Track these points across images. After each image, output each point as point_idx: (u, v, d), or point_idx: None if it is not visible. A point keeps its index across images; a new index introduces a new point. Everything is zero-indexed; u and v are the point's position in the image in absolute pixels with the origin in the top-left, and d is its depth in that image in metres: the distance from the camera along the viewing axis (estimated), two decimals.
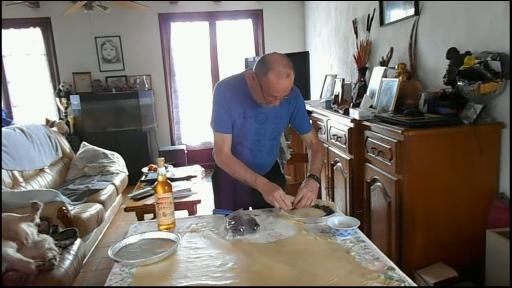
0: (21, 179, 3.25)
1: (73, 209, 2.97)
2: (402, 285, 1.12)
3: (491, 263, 1.83)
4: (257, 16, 5.55)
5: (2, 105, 5.32)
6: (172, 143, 5.67)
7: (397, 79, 2.49)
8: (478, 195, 1.98)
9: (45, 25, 5.18)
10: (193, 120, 5.69)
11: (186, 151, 5.43)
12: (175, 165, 3.96)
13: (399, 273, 1.18)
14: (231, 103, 1.73)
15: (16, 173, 3.22)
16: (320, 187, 2.20)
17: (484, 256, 1.87)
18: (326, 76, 4.13)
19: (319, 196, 2.23)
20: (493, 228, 1.86)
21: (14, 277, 1.89)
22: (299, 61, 4.55)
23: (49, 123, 4.69)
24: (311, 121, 2.21)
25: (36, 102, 5.45)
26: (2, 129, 3.54)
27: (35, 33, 5.24)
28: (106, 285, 1.22)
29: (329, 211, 1.67)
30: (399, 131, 1.94)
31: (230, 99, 1.73)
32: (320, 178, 1.84)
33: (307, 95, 4.46)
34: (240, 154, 1.83)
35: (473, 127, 1.91)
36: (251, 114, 1.75)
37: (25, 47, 5.30)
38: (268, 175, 1.86)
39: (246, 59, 4.92)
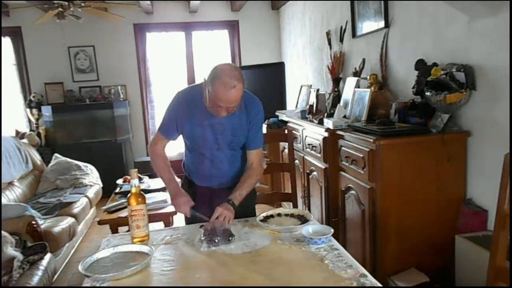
0: None
1: (43, 223, 2.87)
2: None
3: (460, 267, 1.89)
4: (233, 27, 5.60)
5: None
6: (148, 154, 5.57)
7: (369, 90, 2.55)
8: (446, 202, 2.05)
9: (15, 34, 5.05)
10: None
11: None
12: (150, 176, 3.90)
13: (371, 279, 1.20)
14: (184, 116, 1.76)
15: None
16: (296, 195, 2.23)
17: (454, 261, 1.92)
18: (301, 86, 4.20)
19: (295, 205, 2.25)
20: (461, 234, 1.92)
21: None
22: (275, 71, 4.61)
23: (19, 135, 4.55)
24: (286, 131, 2.23)
25: (5, 113, 5.26)
26: None
27: (5, 42, 5.09)
28: None
29: (303, 220, 1.69)
30: (371, 140, 1.99)
31: (184, 110, 1.76)
32: (236, 206, 1.69)
33: (283, 105, 4.51)
34: (201, 164, 1.85)
35: (440, 136, 1.98)
36: (207, 124, 1.76)
37: None
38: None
39: None
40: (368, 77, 2.75)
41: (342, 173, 2.45)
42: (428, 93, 2.04)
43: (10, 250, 2.13)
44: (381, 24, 2.73)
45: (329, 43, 3.56)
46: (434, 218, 2.05)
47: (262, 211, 1.80)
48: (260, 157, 1.91)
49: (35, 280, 2.08)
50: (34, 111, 5.02)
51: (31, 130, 5.08)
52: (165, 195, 3.16)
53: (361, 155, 2.13)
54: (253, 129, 1.83)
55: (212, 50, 5.64)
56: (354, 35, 3.17)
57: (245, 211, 1.80)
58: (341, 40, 3.33)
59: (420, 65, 2.20)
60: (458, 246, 1.90)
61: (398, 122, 2.24)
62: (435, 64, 2.11)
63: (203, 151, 1.83)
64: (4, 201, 3.21)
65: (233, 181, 1.92)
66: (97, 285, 1.26)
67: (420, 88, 2.14)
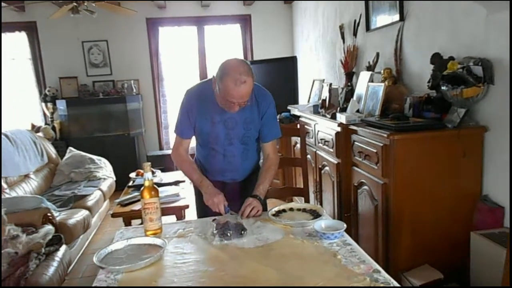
0: (5, 186, 3.18)
1: (58, 215, 2.92)
2: (388, 287, 1.13)
3: (475, 265, 1.86)
4: (245, 21, 5.57)
5: None
6: (161, 148, 5.63)
7: (383, 84, 2.52)
8: (462, 198, 2.02)
9: (30, 29, 5.12)
10: None
11: None
12: (163, 170, 3.94)
13: (384, 275, 1.19)
14: (196, 111, 1.77)
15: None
16: (307, 190, 2.22)
17: (469, 258, 1.89)
18: (314, 81, 4.17)
19: (307, 200, 2.24)
20: (477, 230, 1.89)
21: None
22: (287, 66, 4.59)
23: (35, 129, 4.62)
24: (298, 126, 2.21)
25: (21, 107, 5.36)
26: None
27: (21, 37, 5.17)
28: None
29: (316, 215, 1.68)
30: (385, 135, 1.97)
31: (196, 107, 1.77)
32: (263, 200, 1.77)
33: (295, 100, 4.48)
34: (214, 159, 1.85)
35: (456, 131, 1.94)
36: (219, 119, 1.76)
37: (10, 51, 5.22)
38: (251, 180, 1.87)
39: None
40: (382, 71, 2.71)
41: (355, 168, 2.43)
42: (444, 88, 2.00)
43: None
44: (396, 17, 2.68)
45: (342, 37, 3.52)
46: (449, 214, 2.02)
47: (274, 205, 1.80)
48: (275, 147, 1.93)
49: (51, 271, 2.12)
50: (49, 105, 5.10)
51: (46, 123, 5.16)
52: (177, 189, 3.19)
53: (375, 150, 2.11)
54: (266, 122, 1.83)
55: (224, 44, 5.63)
56: (368, 28, 3.13)
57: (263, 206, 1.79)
58: (355, 34, 3.29)
59: (436, 59, 2.15)
60: (474, 243, 1.87)
61: (412, 117, 2.21)
62: (451, 58, 2.07)
63: (215, 146, 1.83)
64: (20, 193, 3.28)
65: (246, 175, 1.92)
66: (112, 276, 1.27)
67: (435, 83, 2.10)
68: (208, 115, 1.76)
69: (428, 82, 2.16)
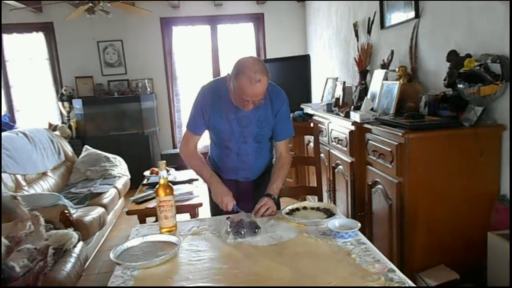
0: (23, 183, 3.26)
1: (75, 212, 2.98)
2: (403, 286, 1.12)
3: (493, 265, 1.83)
4: (258, 20, 5.57)
5: (5, 110, 5.35)
6: (174, 147, 5.68)
7: (397, 82, 2.49)
8: (479, 197, 1.98)
9: (48, 29, 5.22)
10: None
11: None
12: (177, 169, 3.97)
13: (399, 275, 1.18)
14: (210, 108, 1.77)
15: (19, 177, 3.23)
16: (321, 189, 2.22)
17: (486, 258, 1.86)
18: (327, 79, 4.15)
19: (320, 199, 2.23)
20: (494, 230, 1.86)
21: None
22: (300, 64, 4.57)
23: (52, 127, 4.71)
24: (311, 124, 2.21)
25: (38, 106, 5.47)
26: (5, 133, 3.57)
27: (38, 37, 5.28)
28: (108, 287, 1.23)
29: (329, 214, 1.67)
30: (400, 134, 1.95)
31: (210, 104, 1.77)
32: (277, 199, 1.79)
33: (308, 98, 4.47)
34: (228, 157, 1.86)
35: (473, 130, 1.91)
36: (233, 117, 1.76)
37: (28, 51, 5.33)
38: (264, 179, 1.87)
39: None
40: (397, 69, 2.69)
41: (369, 167, 2.41)
42: (460, 85, 1.97)
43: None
44: (411, 14, 2.65)
45: (356, 35, 3.49)
46: (465, 214, 1.99)
47: (287, 204, 1.80)
48: (288, 146, 1.94)
49: (68, 266, 2.17)
50: (66, 104, 5.19)
51: (62, 122, 5.26)
52: (191, 187, 3.21)
53: (389, 149, 2.09)
54: (280, 120, 1.83)
55: (237, 43, 5.65)
56: (382, 26, 3.10)
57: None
58: (369, 31, 3.26)
59: (452, 56, 2.12)
60: (491, 244, 1.83)
61: (428, 116, 2.18)
62: (468, 55, 2.04)
63: (229, 144, 1.84)
64: (38, 190, 3.35)
65: (259, 173, 1.93)
66: (128, 272, 1.30)
67: (452, 80, 2.06)
68: (222, 112, 1.77)
69: (444, 80, 2.13)
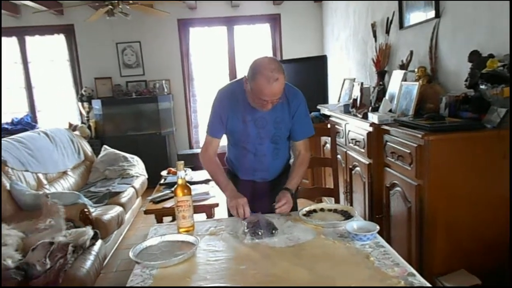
0: (45, 182, 3.34)
1: (94, 211, 3.03)
2: None
3: None
4: (274, 21, 5.57)
5: (27, 110, 5.49)
6: (190, 147, 5.72)
7: (417, 83, 2.45)
8: (501, 201, 1.93)
9: (68, 31, 5.34)
10: None
11: None
12: (193, 169, 4.00)
13: (419, 279, 1.16)
14: (228, 111, 1.78)
15: (40, 175, 3.31)
16: (338, 191, 2.20)
17: (509, 264, 1.82)
18: (344, 80, 4.11)
19: (337, 200, 2.22)
20: None
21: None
22: (317, 65, 4.55)
23: (72, 127, 4.81)
24: (328, 125, 2.20)
25: (59, 107, 5.60)
26: (28, 133, 3.66)
27: (59, 39, 5.40)
28: (127, 285, 1.25)
29: (347, 216, 1.66)
30: (419, 135, 1.92)
31: (227, 106, 1.78)
32: (294, 194, 1.80)
33: (324, 99, 4.44)
34: (245, 158, 1.87)
35: (496, 132, 1.87)
36: (250, 119, 1.77)
37: (49, 53, 5.47)
38: (281, 180, 1.87)
39: None
40: (416, 69, 2.65)
41: (387, 169, 2.38)
42: (483, 86, 1.93)
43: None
44: (431, 14, 2.61)
45: (374, 35, 3.45)
46: (488, 218, 1.94)
47: (303, 205, 1.79)
48: (307, 145, 1.94)
49: (88, 264, 2.21)
50: (85, 104, 5.30)
51: (82, 122, 5.36)
52: (208, 187, 3.23)
53: (408, 151, 2.06)
54: (298, 120, 1.83)
55: (254, 44, 5.66)
56: (401, 26, 3.06)
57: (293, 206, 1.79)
58: (387, 32, 3.22)
59: (474, 56, 2.08)
60: None
61: (448, 117, 2.14)
62: (491, 56, 1.99)
63: (246, 145, 1.85)
64: (59, 189, 3.43)
65: (276, 174, 1.93)
66: (147, 271, 1.31)
67: (473, 81, 2.02)
68: (239, 114, 1.78)
69: (466, 80, 2.09)
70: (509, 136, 1.81)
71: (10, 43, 5.34)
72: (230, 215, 1.94)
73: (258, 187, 1.92)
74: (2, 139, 3.29)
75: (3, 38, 5.28)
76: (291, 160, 1.99)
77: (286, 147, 1.93)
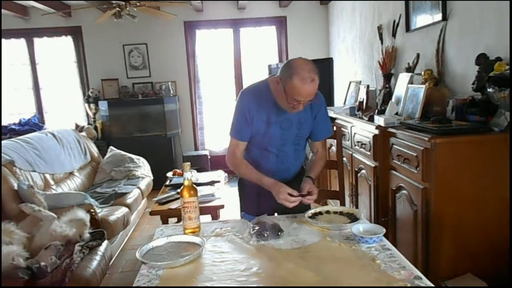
0: (52, 182, 3.36)
1: (100, 211, 3.05)
2: None
3: None
4: (281, 23, 5.58)
5: (34, 111, 5.54)
6: (196, 149, 5.74)
7: (423, 86, 2.45)
8: (508, 204, 1.91)
9: (76, 33, 5.38)
10: (217, 126, 5.76)
11: (209, 157, 5.49)
12: (198, 170, 4.02)
13: (426, 282, 1.16)
14: (254, 112, 1.75)
15: (47, 176, 3.33)
16: (343, 193, 2.20)
17: (509, 264, 1.81)
18: (350, 83, 4.11)
19: (343, 203, 2.21)
20: None
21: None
22: (323, 68, 4.54)
23: (78, 128, 4.84)
24: (334, 127, 2.20)
25: (66, 108, 5.65)
26: (35, 133, 3.70)
27: (67, 41, 5.45)
28: (134, 285, 1.26)
29: (353, 218, 1.66)
30: (426, 139, 1.91)
31: (254, 107, 1.75)
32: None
33: (330, 102, 4.44)
34: (267, 160, 1.84)
35: (503, 135, 1.86)
36: (275, 120, 1.76)
37: (57, 55, 5.52)
38: (296, 179, 1.86)
39: (270, 66, 4.95)
40: (423, 72, 2.64)
41: (393, 172, 2.37)
42: (490, 90, 1.92)
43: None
44: (438, 17, 2.60)
45: (381, 38, 3.44)
46: (495, 222, 1.92)
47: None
48: (324, 143, 1.98)
49: (94, 264, 2.22)
50: (92, 105, 5.34)
51: (89, 123, 5.40)
52: (213, 189, 3.24)
53: (415, 154, 2.06)
54: (320, 121, 1.85)
55: (260, 46, 5.67)
56: (408, 29, 3.05)
57: (299, 207, 1.77)
58: (394, 34, 3.21)
59: (482, 59, 2.07)
60: None
61: (455, 120, 2.13)
62: (498, 59, 1.98)
63: (268, 147, 1.83)
64: (66, 189, 3.45)
65: (295, 174, 1.93)
66: (153, 272, 1.32)
67: (481, 84, 2.01)
68: (264, 115, 1.76)
69: (473, 84, 2.08)
70: None
71: (19, 44, 5.41)
72: (242, 216, 1.93)
73: None
74: (10, 139, 3.32)
75: (12, 40, 5.35)
76: (310, 156, 2.02)
77: (305, 147, 1.94)
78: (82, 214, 2.45)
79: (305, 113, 1.77)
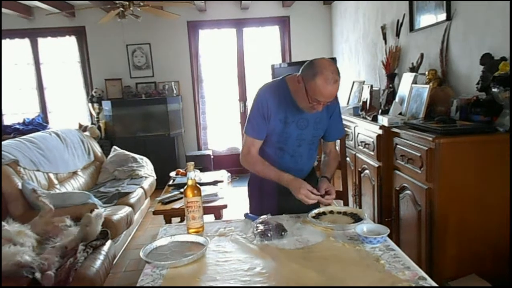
0: (56, 181, 3.37)
1: (104, 211, 3.05)
2: None
3: None
4: (284, 23, 5.58)
5: (38, 111, 5.57)
6: (199, 148, 5.75)
7: (427, 86, 2.44)
8: None
9: (80, 33, 5.40)
10: (220, 126, 5.76)
11: (212, 156, 5.49)
12: (201, 170, 4.02)
13: (430, 283, 1.16)
14: (272, 110, 1.73)
15: (51, 175, 3.34)
16: (347, 193, 2.20)
17: (509, 264, 1.80)
18: (353, 82, 4.10)
19: (346, 203, 2.21)
20: None
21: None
22: None
23: (82, 128, 4.86)
24: None
25: (70, 108, 5.67)
26: (39, 133, 3.71)
27: (71, 41, 5.47)
28: (138, 285, 1.26)
29: (357, 218, 1.65)
30: (430, 139, 1.91)
31: (272, 105, 1.73)
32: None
33: None
34: (281, 159, 1.82)
35: (508, 135, 1.85)
36: (292, 120, 1.75)
37: (61, 54, 5.53)
38: (307, 180, 1.85)
39: (273, 66, 4.95)
40: (427, 72, 2.63)
41: (397, 172, 2.36)
42: (495, 89, 1.91)
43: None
44: (442, 16, 2.59)
45: (384, 38, 3.44)
46: (500, 223, 1.92)
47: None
48: (335, 143, 1.98)
49: (97, 263, 2.23)
50: (95, 105, 5.35)
51: (92, 123, 5.41)
52: (216, 189, 3.24)
53: (419, 154, 2.05)
54: (334, 121, 1.86)
55: (263, 46, 5.67)
56: (411, 29, 3.04)
57: (304, 207, 1.76)
58: (397, 34, 3.21)
59: (486, 59, 2.06)
60: None
61: (459, 120, 2.13)
62: (503, 59, 1.97)
63: (284, 146, 1.81)
64: (69, 189, 3.46)
65: (307, 173, 1.92)
66: (157, 271, 1.32)
67: (485, 84, 2.01)
68: (281, 114, 1.74)
69: (477, 83, 2.07)
70: None
71: (23, 44, 5.43)
72: (245, 216, 1.91)
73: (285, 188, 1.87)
74: (14, 139, 3.34)
75: (16, 40, 5.38)
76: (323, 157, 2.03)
77: (317, 147, 1.94)
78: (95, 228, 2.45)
79: (321, 113, 1.74)
